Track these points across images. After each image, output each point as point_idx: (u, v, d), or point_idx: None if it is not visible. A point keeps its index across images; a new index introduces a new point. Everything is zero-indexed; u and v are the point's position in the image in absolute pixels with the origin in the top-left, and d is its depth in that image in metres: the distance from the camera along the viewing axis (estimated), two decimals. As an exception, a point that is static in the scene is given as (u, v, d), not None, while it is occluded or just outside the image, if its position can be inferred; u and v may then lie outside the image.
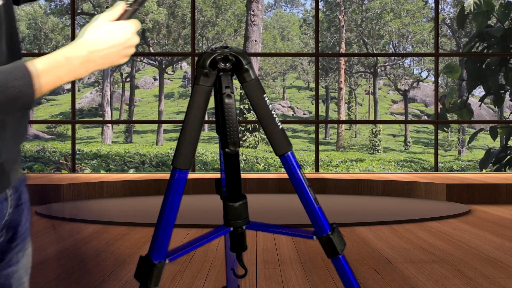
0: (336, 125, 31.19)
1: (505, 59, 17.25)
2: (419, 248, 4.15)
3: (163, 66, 32.29)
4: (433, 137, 23.31)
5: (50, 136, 31.31)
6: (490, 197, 6.85)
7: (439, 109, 11.17)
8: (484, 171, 17.42)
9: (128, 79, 33.54)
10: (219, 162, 3.46)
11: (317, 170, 9.23)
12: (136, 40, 1.06)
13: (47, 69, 0.96)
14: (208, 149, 24.54)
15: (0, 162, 1.04)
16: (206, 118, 12.99)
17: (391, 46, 33.31)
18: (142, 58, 33.27)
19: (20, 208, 1.13)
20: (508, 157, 17.21)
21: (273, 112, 1.33)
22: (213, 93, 1.33)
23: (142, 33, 29.86)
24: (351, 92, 32.38)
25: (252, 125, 23.63)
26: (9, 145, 1.05)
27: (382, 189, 7.55)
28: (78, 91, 35.09)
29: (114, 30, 1.02)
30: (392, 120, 33.13)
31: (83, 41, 1.00)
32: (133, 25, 1.05)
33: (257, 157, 22.83)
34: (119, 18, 1.05)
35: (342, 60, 30.52)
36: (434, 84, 12.45)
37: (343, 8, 31.67)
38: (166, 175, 8.29)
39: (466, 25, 25.54)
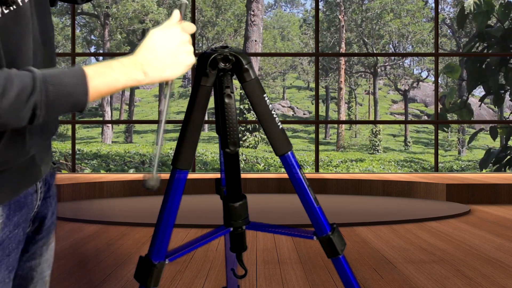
0: (336, 125, 31.19)
1: (505, 59, 17.25)
2: (419, 248, 4.15)
3: (163, 66, 32.26)
4: (433, 137, 23.29)
5: (50, 136, 31.27)
6: (490, 197, 6.85)
7: (439, 109, 11.17)
8: (484, 171, 17.41)
9: (128, 79, 33.50)
10: (219, 162, 3.46)
11: (317, 170, 9.23)
12: (188, 47, 1.05)
13: (100, 72, 0.96)
14: (208, 149, 24.53)
15: (32, 155, 1.05)
16: (206, 118, 12.97)
17: (391, 46, 33.31)
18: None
19: (48, 201, 1.14)
20: (508, 157, 17.21)
21: (273, 112, 1.33)
22: (213, 93, 1.32)
23: (142, 33, 29.83)
24: (351, 92, 32.37)
25: (252, 125, 23.62)
26: (39, 139, 1.06)
27: (382, 189, 7.54)
28: (78, 91, 35.00)
29: (163, 36, 1.03)
30: (392, 120, 33.11)
31: (138, 50, 1.02)
32: (183, 32, 1.05)
33: (257, 157, 22.82)
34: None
35: (342, 60, 30.51)
36: (434, 84, 12.45)
37: (343, 8, 31.66)
38: (166, 175, 8.27)
39: (466, 25, 25.54)
